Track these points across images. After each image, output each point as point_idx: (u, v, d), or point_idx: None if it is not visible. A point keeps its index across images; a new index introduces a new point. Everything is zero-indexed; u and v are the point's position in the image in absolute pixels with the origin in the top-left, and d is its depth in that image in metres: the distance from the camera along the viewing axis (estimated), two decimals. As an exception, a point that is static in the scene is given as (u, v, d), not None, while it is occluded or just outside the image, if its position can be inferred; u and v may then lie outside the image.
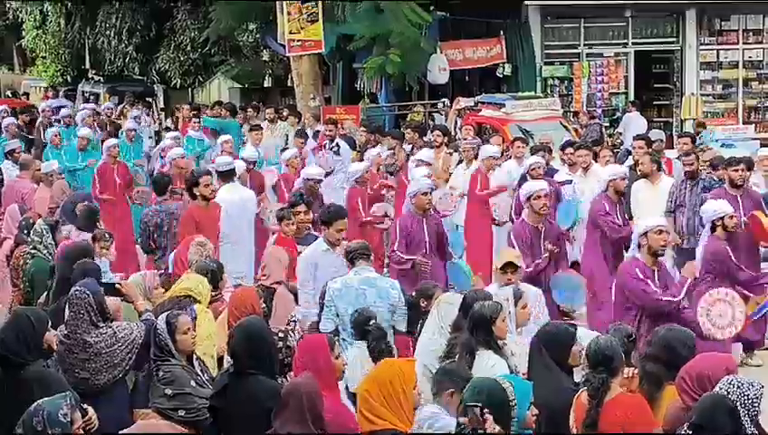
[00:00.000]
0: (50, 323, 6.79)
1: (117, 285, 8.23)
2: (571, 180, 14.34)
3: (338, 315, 8.87)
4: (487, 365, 6.95)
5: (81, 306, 7.30)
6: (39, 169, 14.92)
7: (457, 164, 16.09)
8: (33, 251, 10.29)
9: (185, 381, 6.89)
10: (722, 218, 10.73)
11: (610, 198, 12.22)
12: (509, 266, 8.94)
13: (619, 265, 10.63)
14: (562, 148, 15.39)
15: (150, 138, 23.75)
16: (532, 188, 11.35)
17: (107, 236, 10.29)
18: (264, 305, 8.53)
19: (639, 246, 9.44)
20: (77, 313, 7.29)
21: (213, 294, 8.70)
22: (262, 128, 20.00)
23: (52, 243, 10.34)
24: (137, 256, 14.34)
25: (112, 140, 17.64)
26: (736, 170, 12.17)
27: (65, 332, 7.30)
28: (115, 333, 7.36)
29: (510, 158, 15.72)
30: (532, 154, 14.85)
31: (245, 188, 13.70)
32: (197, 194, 12.04)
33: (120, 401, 7.31)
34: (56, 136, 18.99)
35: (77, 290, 7.37)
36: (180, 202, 12.75)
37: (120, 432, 6.09)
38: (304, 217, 11.36)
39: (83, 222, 11.15)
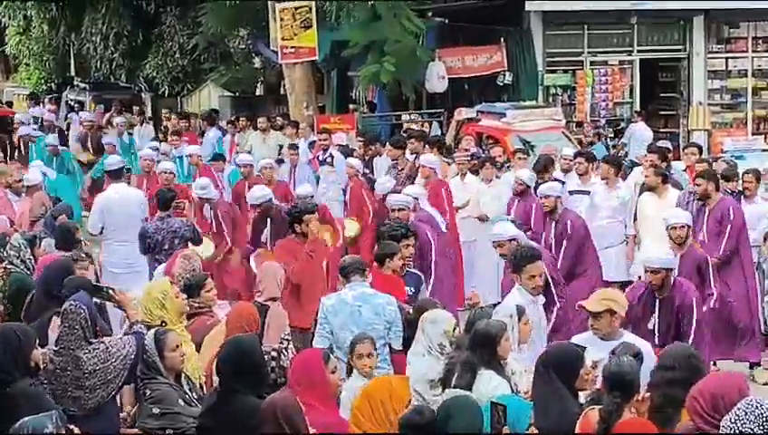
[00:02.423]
0: (37, 341, 6.78)
1: (110, 292, 8.30)
2: (588, 191, 14.40)
3: (332, 333, 8.88)
4: (489, 386, 6.94)
5: (76, 321, 7.25)
6: (19, 181, 14.91)
7: (453, 176, 16.12)
8: (9, 267, 10.22)
9: (173, 399, 6.87)
10: None
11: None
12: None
13: None
14: (574, 157, 15.50)
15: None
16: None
17: (83, 256, 10.16)
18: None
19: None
20: (71, 327, 7.24)
21: (195, 305, 8.68)
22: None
23: (31, 258, 10.29)
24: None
25: (146, 151, 17.62)
26: (699, 184, 12.38)
27: (56, 348, 7.26)
28: (108, 348, 7.34)
29: (509, 169, 15.81)
30: (536, 171, 14.95)
31: (132, 188, 15.08)
32: (298, 231, 10.97)
33: (112, 417, 7.34)
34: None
35: (71, 305, 7.32)
36: (184, 219, 12.64)
37: None
38: (412, 250, 10.45)
39: (60, 240, 11.01)
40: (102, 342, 7.41)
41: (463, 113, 21.06)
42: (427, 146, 17.06)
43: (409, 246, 10.29)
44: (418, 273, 10.50)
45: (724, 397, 5.64)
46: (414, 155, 17.02)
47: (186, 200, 13.37)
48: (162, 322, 7.90)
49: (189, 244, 12.24)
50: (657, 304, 9.61)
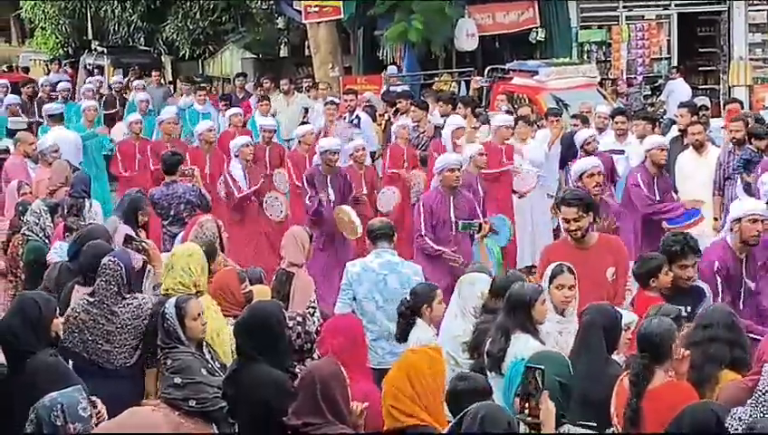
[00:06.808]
0: (58, 310, 6.80)
1: (143, 244, 8.60)
2: (623, 151, 14.31)
3: (355, 299, 8.90)
4: (526, 347, 6.89)
5: (113, 277, 7.60)
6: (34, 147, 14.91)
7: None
8: (27, 233, 10.27)
9: (195, 369, 6.89)
10: None
11: (648, 170, 12.16)
12: None
13: (650, 240, 10.77)
14: (612, 116, 15.39)
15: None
16: (584, 166, 11.24)
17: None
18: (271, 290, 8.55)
19: (732, 230, 8.86)
20: (108, 283, 7.60)
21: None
22: (269, 99, 20.14)
23: (50, 225, 10.34)
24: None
25: (135, 116, 17.38)
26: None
27: (91, 300, 7.58)
28: (140, 305, 7.63)
29: (540, 128, 15.78)
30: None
31: (69, 131, 16.42)
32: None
33: (135, 386, 7.55)
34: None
35: (110, 260, 7.68)
36: (190, 184, 12.47)
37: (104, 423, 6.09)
38: (691, 272, 8.29)
39: (126, 213, 10.67)
40: (135, 297, 7.70)
41: (478, 82, 20.84)
42: (460, 106, 17.02)
43: (687, 267, 8.28)
44: (702, 287, 8.40)
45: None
46: (444, 117, 16.97)
47: (194, 166, 13.01)
48: (198, 291, 7.84)
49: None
50: (744, 263, 8.82)
